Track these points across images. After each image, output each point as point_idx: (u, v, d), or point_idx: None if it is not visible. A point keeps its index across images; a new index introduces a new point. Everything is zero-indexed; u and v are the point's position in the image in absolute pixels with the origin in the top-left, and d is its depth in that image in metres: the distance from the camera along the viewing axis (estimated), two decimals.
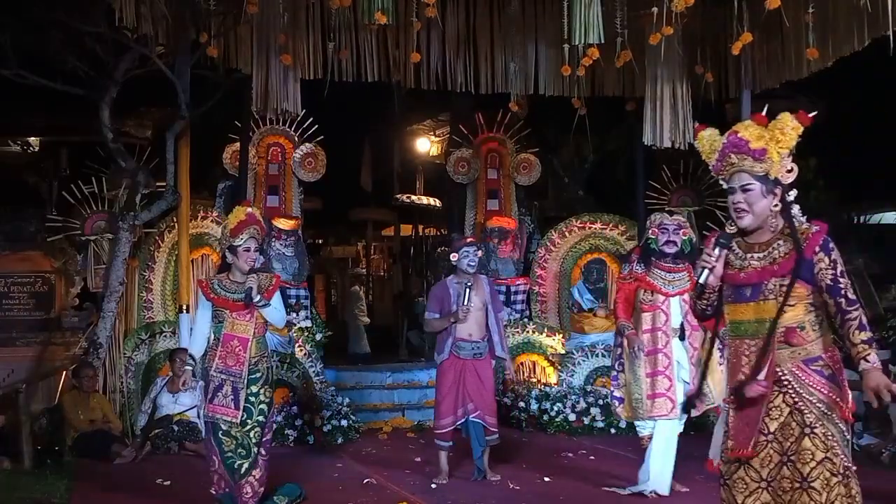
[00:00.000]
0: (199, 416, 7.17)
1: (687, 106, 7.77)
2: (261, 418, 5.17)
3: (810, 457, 3.04)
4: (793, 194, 3.23)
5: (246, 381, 5.14)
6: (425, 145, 15.70)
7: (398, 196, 14.74)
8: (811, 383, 3.09)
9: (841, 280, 3.07)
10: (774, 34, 7.72)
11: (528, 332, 9.62)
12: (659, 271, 5.83)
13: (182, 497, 5.97)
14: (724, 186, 3.26)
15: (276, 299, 5.28)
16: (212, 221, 9.14)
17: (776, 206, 3.16)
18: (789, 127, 3.14)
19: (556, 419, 8.63)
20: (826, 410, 3.07)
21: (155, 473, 6.67)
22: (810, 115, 3.16)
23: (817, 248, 3.10)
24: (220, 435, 5.13)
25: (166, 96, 8.56)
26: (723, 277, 3.23)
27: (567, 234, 10.31)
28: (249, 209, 5.24)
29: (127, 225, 8.25)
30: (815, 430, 3.05)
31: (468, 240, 6.70)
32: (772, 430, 3.11)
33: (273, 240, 9.21)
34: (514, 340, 9.52)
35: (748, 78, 7.94)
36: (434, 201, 14.42)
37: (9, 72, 7.92)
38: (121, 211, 8.42)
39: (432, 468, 6.61)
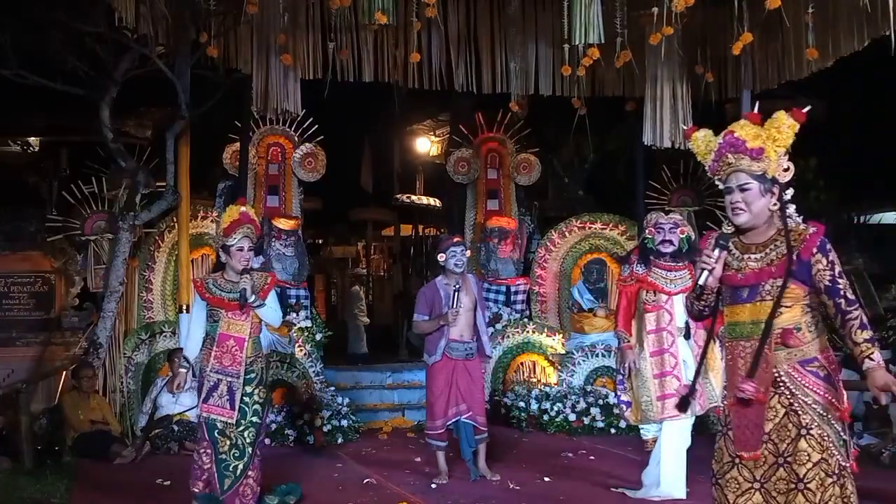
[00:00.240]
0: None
1: (687, 106, 7.78)
2: (255, 419, 5.15)
3: (806, 458, 3.04)
4: (789, 194, 3.21)
5: (242, 381, 5.12)
6: (425, 145, 15.70)
7: (398, 196, 14.74)
8: (807, 384, 3.09)
9: (839, 280, 3.06)
10: (774, 34, 7.72)
11: (528, 332, 9.60)
12: (659, 270, 5.79)
13: (182, 497, 5.92)
14: (721, 187, 3.23)
15: (272, 298, 5.25)
16: (212, 221, 9.10)
17: (774, 205, 3.15)
18: (785, 125, 3.13)
19: (556, 419, 8.63)
20: (822, 412, 3.06)
21: (155, 473, 6.66)
22: (804, 110, 3.14)
23: (815, 250, 3.08)
24: (215, 434, 5.11)
25: (166, 96, 8.55)
26: (721, 279, 3.22)
27: (567, 234, 10.30)
28: (243, 208, 5.19)
29: (127, 225, 8.25)
30: (812, 432, 3.05)
31: (455, 239, 6.58)
32: (767, 431, 3.11)
33: (273, 240, 9.21)
34: (514, 340, 9.53)
35: (748, 78, 7.94)
36: (434, 201, 14.42)
37: (9, 72, 7.91)
38: (121, 211, 8.41)
39: (432, 468, 6.61)
